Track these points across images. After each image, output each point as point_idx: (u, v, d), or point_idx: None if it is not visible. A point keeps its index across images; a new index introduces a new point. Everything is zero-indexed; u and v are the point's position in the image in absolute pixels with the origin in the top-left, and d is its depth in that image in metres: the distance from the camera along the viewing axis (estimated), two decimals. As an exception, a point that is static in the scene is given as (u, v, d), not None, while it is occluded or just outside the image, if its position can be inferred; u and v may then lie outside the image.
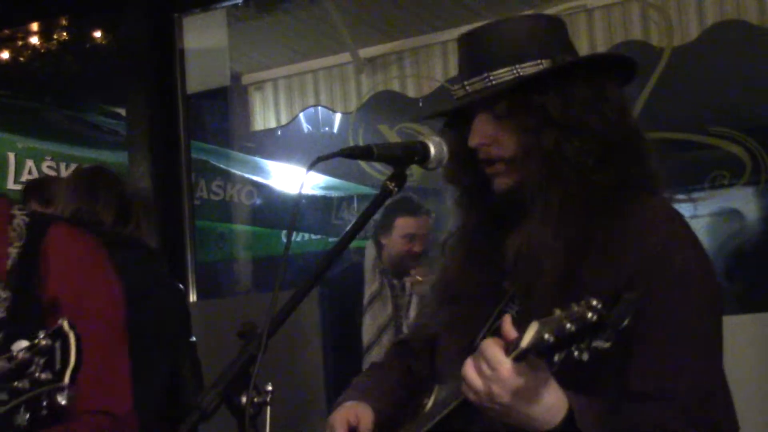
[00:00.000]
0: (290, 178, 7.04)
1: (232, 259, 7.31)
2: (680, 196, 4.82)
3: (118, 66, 4.86)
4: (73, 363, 1.77)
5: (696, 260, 1.91)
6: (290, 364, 4.37)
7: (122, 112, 4.89)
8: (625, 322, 1.59)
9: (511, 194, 2.02)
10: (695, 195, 5.12)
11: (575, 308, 1.60)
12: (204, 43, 5.03)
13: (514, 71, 1.99)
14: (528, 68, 1.99)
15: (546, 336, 1.60)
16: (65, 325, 1.80)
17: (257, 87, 5.92)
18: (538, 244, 1.93)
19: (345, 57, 5.61)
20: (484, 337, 1.97)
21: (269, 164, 7.19)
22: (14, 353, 1.83)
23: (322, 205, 7.29)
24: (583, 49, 4.81)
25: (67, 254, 2.34)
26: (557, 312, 1.62)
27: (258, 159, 7.18)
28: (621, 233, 1.90)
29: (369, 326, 4.54)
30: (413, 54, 5.43)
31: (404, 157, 1.96)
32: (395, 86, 5.48)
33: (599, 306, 1.59)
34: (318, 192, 7.26)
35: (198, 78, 4.99)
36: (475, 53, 2.05)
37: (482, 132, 2.03)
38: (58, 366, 1.78)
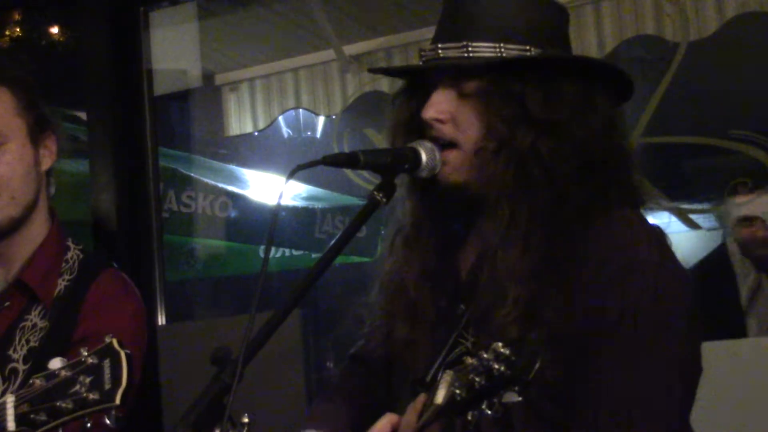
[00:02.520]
0: (268, 188, 7.04)
1: (205, 278, 7.31)
2: (698, 206, 4.85)
3: (78, 65, 4.84)
4: (125, 383, 1.81)
5: (656, 296, 1.86)
6: (269, 393, 4.36)
7: (82, 115, 4.87)
8: (536, 367, 1.56)
9: (459, 190, 2.00)
10: (714, 205, 5.13)
11: (484, 356, 1.59)
12: (172, 39, 5.03)
13: (498, 50, 1.95)
14: (513, 51, 1.95)
15: (458, 392, 1.62)
16: (115, 343, 1.85)
17: (232, 88, 5.92)
18: (503, 265, 1.90)
19: (329, 54, 5.61)
20: (436, 373, 1.98)
21: (245, 173, 7.18)
22: (55, 371, 1.87)
23: (304, 217, 7.29)
24: (591, 45, 4.82)
25: (113, 299, 2.54)
26: (468, 361, 1.62)
27: (233, 167, 7.18)
28: (585, 258, 1.88)
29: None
30: (403, 51, 5.43)
31: (393, 164, 1.96)
32: (384, 86, 5.47)
33: (507, 353, 1.57)
34: (299, 203, 7.26)
35: (166, 78, 4.99)
36: (458, 17, 2.01)
37: (440, 106, 1.99)
38: (107, 386, 1.82)
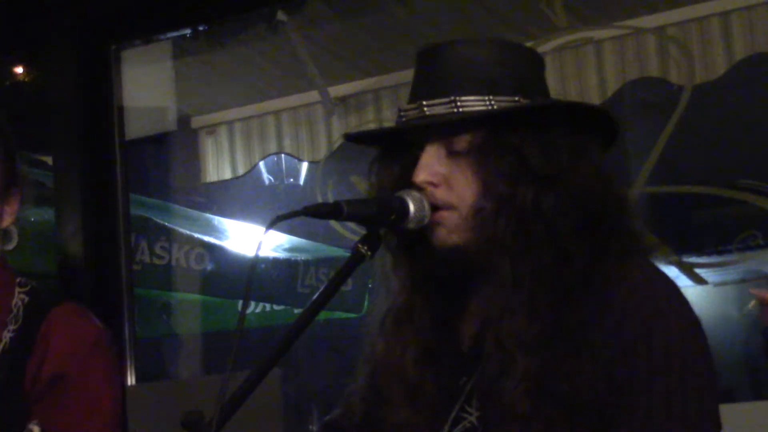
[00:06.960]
0: (248, 239, 7.04)
1: (178, 335, 7.28)
2: (704, 260, 4.86)
3: (44, 107, 4.86)
4: None
5: (683, 341, 1.88)
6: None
7: (48, 160, 4.88)
8: None
9: (455, 253, 1.99)
10: (722, 258, 5.14)
11: None
12: (145, 79, 5.05)
13: (488, 102, 1.96)
14: (504, 102, 1.96)
15: None
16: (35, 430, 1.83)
17: (209, 131, 5.94)
18: (508, 333, 1.89)
19: (313, 96, 5.64)
20: None
21: (223, 222, 7.19)
22: None
23: (285, 270, 7.28)
24: (592, 86, 4.86)
25: (73, 334, 2.43)
26: None
27: (210, 216, 7.18)
28: (597, 318, 1.88)
29: None
30: (393, 93, 5.46)
31: (378, 216, 1.96)
32: (371, 131, 5.50)
33: None
34: (281, 255, 7.26)
35: (138, 121, 5.01)
36: (440, 72, 2.01)
37: (431, 168, 1.98)
38: None
